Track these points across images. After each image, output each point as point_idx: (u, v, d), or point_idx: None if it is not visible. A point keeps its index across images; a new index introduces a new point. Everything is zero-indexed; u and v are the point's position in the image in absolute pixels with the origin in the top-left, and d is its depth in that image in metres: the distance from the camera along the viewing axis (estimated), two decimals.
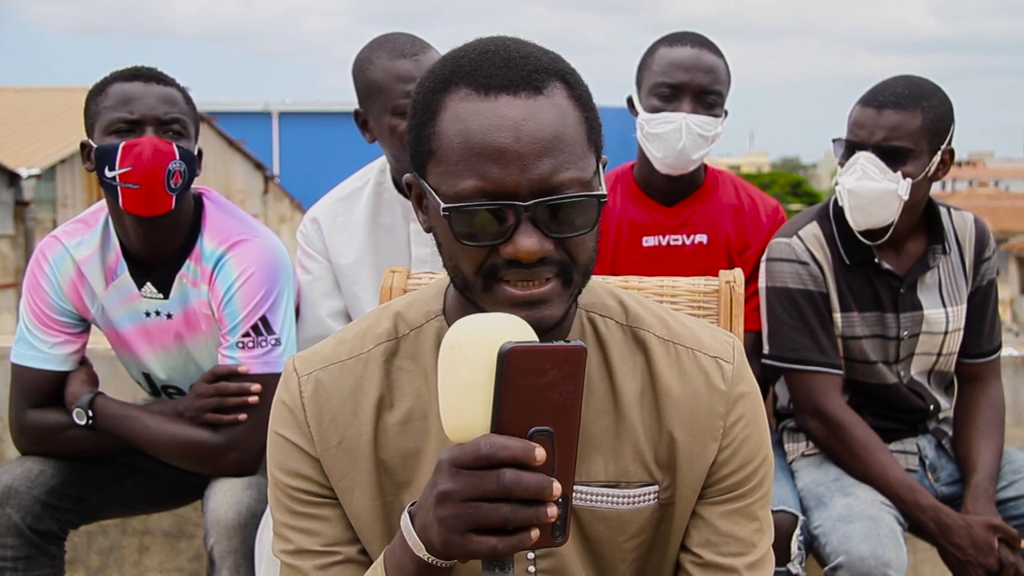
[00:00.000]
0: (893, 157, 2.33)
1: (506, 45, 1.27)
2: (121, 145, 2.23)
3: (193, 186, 2.43)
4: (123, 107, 2.26)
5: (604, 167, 1.34)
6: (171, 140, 2.27)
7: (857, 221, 2.40)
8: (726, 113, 2.68)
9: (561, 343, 1.12)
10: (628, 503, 1.38)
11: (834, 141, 2.43)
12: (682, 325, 1.42)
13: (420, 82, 1.31)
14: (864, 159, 2.34)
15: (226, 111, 27.75)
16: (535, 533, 1.12)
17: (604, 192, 1.26)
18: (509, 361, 1.10)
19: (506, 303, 1.25)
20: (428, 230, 1.33)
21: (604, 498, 1.37)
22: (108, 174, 2.25)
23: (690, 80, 2.60)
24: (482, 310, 1.28)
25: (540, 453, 1.11)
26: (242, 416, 2.30)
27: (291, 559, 1.38)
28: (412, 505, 1.22)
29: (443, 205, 1.24)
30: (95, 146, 2.28)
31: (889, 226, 2.40)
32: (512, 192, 1.21)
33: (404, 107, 2.37)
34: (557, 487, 1.11)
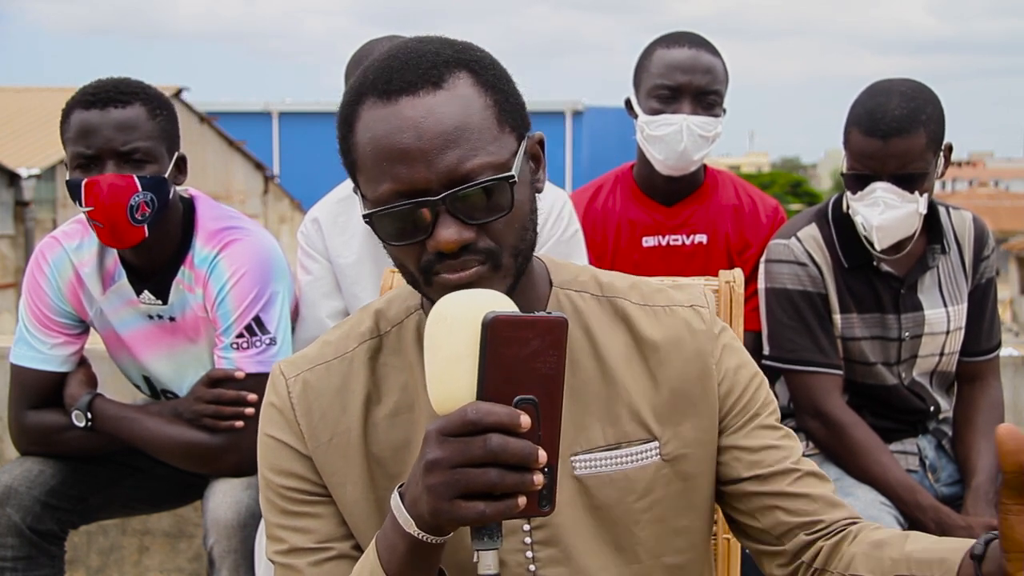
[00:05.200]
0: (909, 182, 2.31)
1: (408, 47, 1.31)
2: (83, 183, 2.20)
3: (183, 189, 2.42)
4: (81, 141, 2.21)
5: (543, 144, 1.37)
6: (131, 172, 2.22)
7: (884, 245, 2.39)
8: (725, 112, 2.68)
9: (543, 314, 1.15)
10: (632, 461, 1.40)
11: (843, 175, 2.41)
12: (652, 288, 1.47)
13: (343, 97, 1.35)
14: (882, 190, 2.32)
15: (226, 111, 27.76)
16: (522, 500, 1.13)
17: (512, 174, 1.28)
18: (492, 330, 1.13)
19: (443, 293, 1.28)
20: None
21: (607, 461, 1.39)
22: (81, 208, 2.24)
23: (689, 81, 2.60)
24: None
25: (525, 420, 1.13)
26: (239, 424, 2.30)
27: (285, 558, 1.39)
28: (402, 486, 1.23)
29: (362, 212, 1.30)
30: (68, 179, 2.26)
31: (910, 239, 2.41)
32: (424, 189, 1.25)
33: None
34: (543, 454, 1.13)
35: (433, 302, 1.29)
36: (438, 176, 1.25)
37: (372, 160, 1.28)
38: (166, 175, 2.27)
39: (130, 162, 2.22)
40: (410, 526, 1.20)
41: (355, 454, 1.39)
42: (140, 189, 2.22)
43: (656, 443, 1.41)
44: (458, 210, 1.26)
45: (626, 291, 1.45)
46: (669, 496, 1.42)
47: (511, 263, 1.31)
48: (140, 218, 2.23)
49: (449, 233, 1.25)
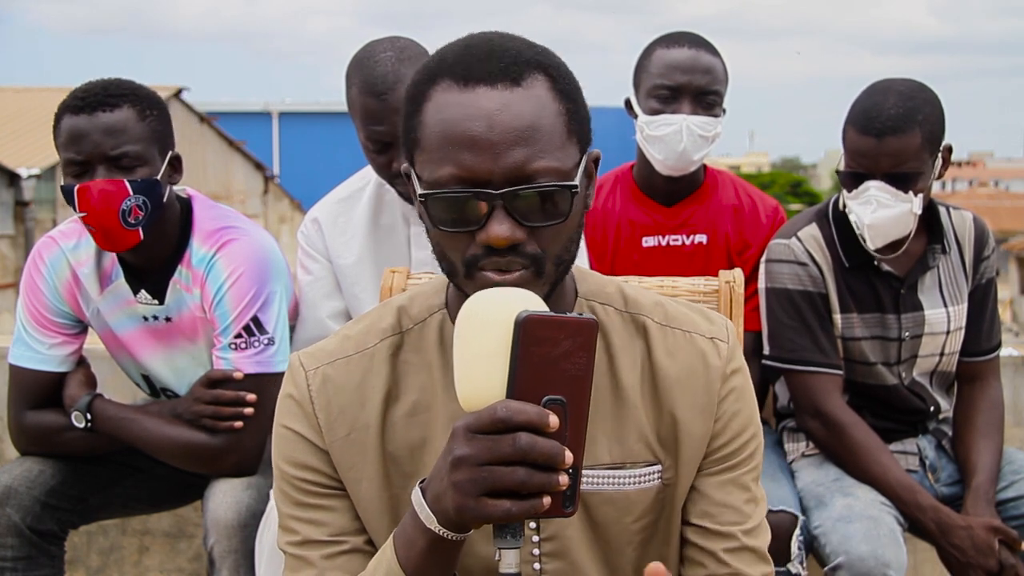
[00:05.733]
0: (903, 181, 2.31)
1: (490, 39, 1.31)
2: (76, 189, 2.20)
3: (181, 188, 2.42)
4: (72, 147, 2.20)
5: (597, 162, 1.36)
6: (122, 176, 2.21)
7: (876, 244, 2.39)
8: (725, 112, 2.68)
9: (574, 315, 1.15)
10: (634, 483, 1.40)
11: (837, 172, 2.42)
12: (677, 310, 1.46)
13: (413, 75, 1.35)
14: (875, 189, 2.32)
15: (226, 111, 27.76)
16: (547, 500, 1.14)
17: (576, 183, 1.28)
18: (525, 329, 1.13)
19: (480, 289, 1.27)
20: (421, 218, 1.36)
21: (610, 480, 1.39)
22: (76, 213, 2.24)
23: (688, 81, 2.60)
24: None
25: (554, 420, 1.13)
26: (238, 424, 2.30)
27: (297, 550, 1.39)
28: (423, 482, 1.23)
29: (420, 191, 1.29)
30: (62, 184, 2.26)
31: (905, 239, 2.41)
32: (485, 180, 1.25)
33: (369, 139, 2.37)
34: (569, 455, 1.14)
35: (466, 295, 1.29)
36: (502, 170, 1.24)
37: (438, 142, 1.27)
38: (158, 177, 2.26)
39: (120, 166, 2.21)
40: (431, 522, 1.20)
41: (372, 451, 1.39)
42: (131, 193, 2.21)
43: (659, 467, 1.41)
44: (515, 208, 1.25)
45: (650, 309, 1.44)
46: (662, 521, 1.43)
47: (552, 271, 1.31)
48: (133, 222, 2.23)
49: (503, 229, 1.25)
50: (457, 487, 1.15)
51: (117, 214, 2.20)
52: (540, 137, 1.26)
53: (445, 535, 1.20)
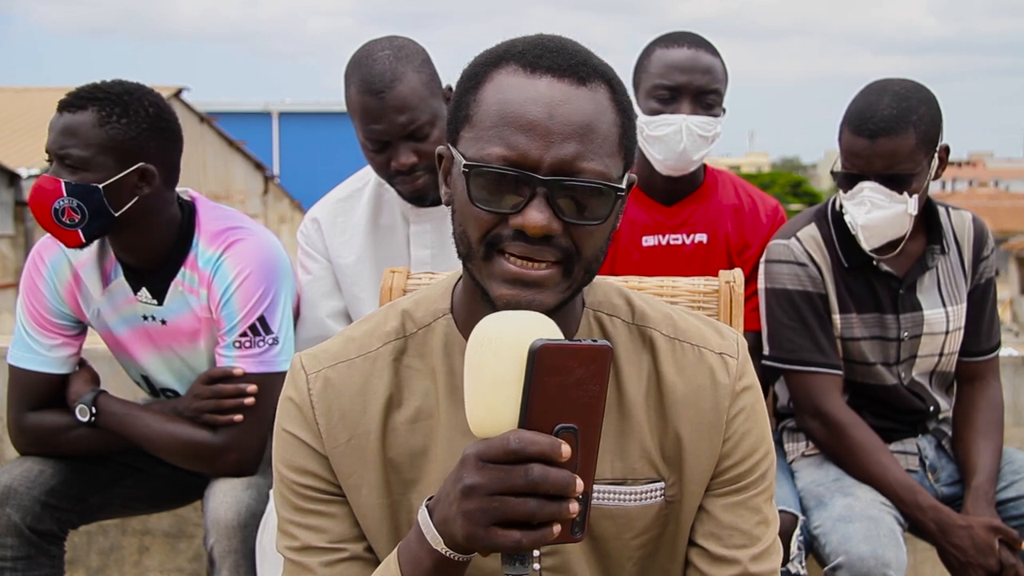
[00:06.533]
0: (897, 182, 2.31)
1: (562, 38, 1.33)
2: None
3: (183, 190, 2.42)
4: (47, 138, 2.26)
5: (631, 188, 1.35)
6: (64, 176, 2.22)
7: (871, 244, 2.40)
8: (724, 112, 2.68)
9: (589, 342, 1.14)
10: (635, 500, 1.39)
11: (832, 173, 2.43)
12: (688, 323, 1.44)
13: (475, 56, 1.35)
14: (869, 189, 2.32)
15: (226, 111, 27.75)
16: (557, 528, 1.14)
17: (623, 187, 1.28)
18: (540, 358, 1.12)
19: (502, 277, 1.27)
20: (448, 202, 1.35)
21: (611, 495, 1.39)
22: None
23: (688, 81, 2.60)
24: (486, 296, 1.30)
25: (566, 449, 1.13)
26: (238, 417, 2.30)
27: (297, 556, 1.39)
28: (430, 500, 1.23)
29: (464, 162, 1.27)
30: None
31: (901, 239, 2.41)
32: (534, 166, 1.25)
33: (368, 139, 2.37)
34: (580, 483, 1.14)
35: (479, 285, 1.28)
36: (552, 160, 1.24)
37: (492, 121, 1.26)
38: (102, 185, 2.23)
39: (65, 166, 2.23)
40: (438, 544, 1.19)
41: (372, 457, 1.38)
42: (64, 194, 2.21)
43: (662, 484, 1.40)
44: (555, 200, 1.25)
45: (659, 321, 1.43)
46: (666, 537, 1.42)
47: (580, 275, 1.30)
48: (68, 222, 2.23)
49: (540, 217, 1.24)
50: (467, 516, 1.14)
51: (50, 211, 2.22)
52: (595, 139, 1.26)
53: (452, 556, 1.20)
